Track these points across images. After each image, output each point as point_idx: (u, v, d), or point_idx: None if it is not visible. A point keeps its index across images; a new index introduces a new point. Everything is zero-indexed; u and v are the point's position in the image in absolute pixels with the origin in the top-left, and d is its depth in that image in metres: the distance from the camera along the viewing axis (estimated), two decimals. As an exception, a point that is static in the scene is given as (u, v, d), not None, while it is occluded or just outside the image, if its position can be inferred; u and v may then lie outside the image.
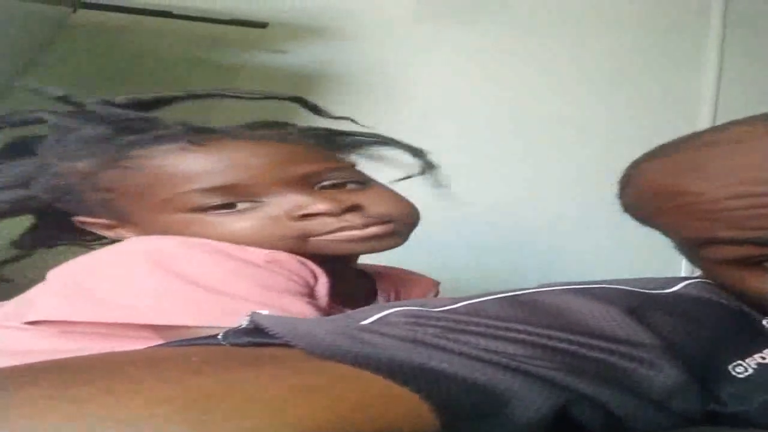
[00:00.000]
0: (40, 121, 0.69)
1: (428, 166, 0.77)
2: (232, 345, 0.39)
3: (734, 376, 0.44)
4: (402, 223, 0.70)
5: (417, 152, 0.77)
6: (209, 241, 0.62)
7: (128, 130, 0.66)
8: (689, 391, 0.41)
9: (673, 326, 0.45)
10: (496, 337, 0.40)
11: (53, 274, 0.62)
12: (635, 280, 0.51)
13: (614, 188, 0.57)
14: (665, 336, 0.43)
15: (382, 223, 0.67)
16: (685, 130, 0.53)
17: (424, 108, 1.37)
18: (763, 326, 0.48)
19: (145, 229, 0.66)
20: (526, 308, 0.44)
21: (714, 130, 0.50)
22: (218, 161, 0.64)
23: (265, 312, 0.41)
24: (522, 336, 0.41)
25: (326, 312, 0.62)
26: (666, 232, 0.53)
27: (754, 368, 0.44)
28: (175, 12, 1.30)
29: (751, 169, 0.44)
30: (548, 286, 0.48)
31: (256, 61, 1.34)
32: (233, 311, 0.53)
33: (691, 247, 0.51)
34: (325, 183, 0.67)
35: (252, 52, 1.34)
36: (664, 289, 0.50)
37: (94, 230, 0.70)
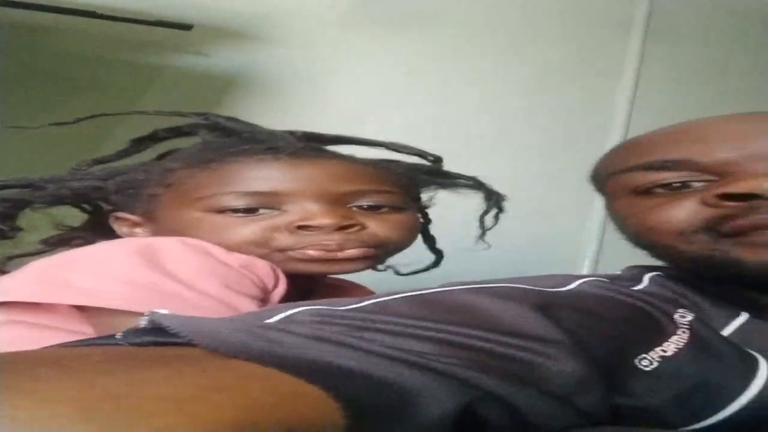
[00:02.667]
0: (194, 133, 0.76)
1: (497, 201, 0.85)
2: (132, 345, 0.38)
3: (641, 369, 0.45)
4: (390, 250, 0.74)
5: (490, 194, 0.84)
6: (201, 242, 0.65)
7: (238, 140, 0.72)
8: (594, 385, 0.42)
9: (579, 322, 0.45)
10: (402, 335, 0.40)
11: (36, 263, 0.63)
12: (533, 278, 0.52)
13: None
14: (572, 331, 0.44)
15: (367, 247, 0.69)
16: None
17: (348, 114, 1.37)
18: (661, 319, 0.49)
19: (162, 226, 0.70)
20: (433, 306, 0.44)
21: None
22: (275, 169, 0.67)
23: (164, 311, 0.40)
24: (428, 333, 0.40)
25: None
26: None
27: (658, 361, 0.45)
28: (99, 12, 1.28)
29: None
30: (452, 285, 0.48)
31: (178, 63, 1.32)
32: (195, 306, 0.58)
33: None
34: (362, 204, 0.70)
35: (175, 55, 1.33)
36: (562, 287, 0.51)
37: (119, 227, 0.73)
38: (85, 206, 0.77)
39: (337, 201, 0.68)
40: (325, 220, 0.66)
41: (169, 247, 0.64)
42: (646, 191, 0.57)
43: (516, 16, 1.61)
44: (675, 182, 0.56)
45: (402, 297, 0.46)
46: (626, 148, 0.62)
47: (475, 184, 0.84)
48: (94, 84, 1.26)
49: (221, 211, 0.67)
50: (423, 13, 1.51)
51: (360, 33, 1.46)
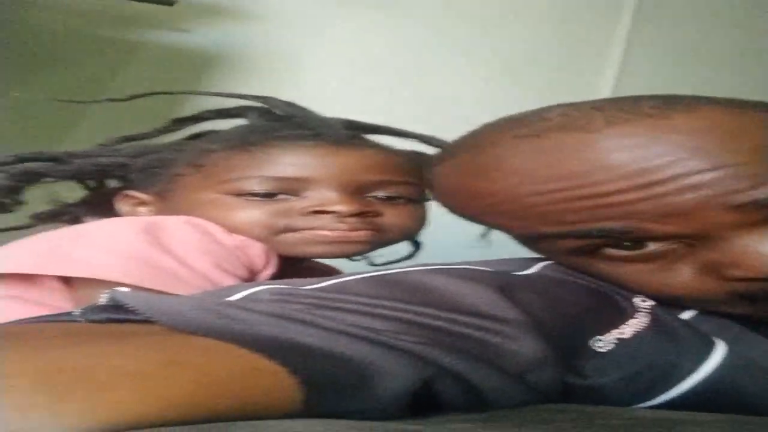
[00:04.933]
0: (243, 116, 0.76)
1: None
2: (90, 321, 0.39)
3: (595, 351, 0.45)
4: (396, 240, 0.74)
5: None
6: (203, 221, 0.66)
7: (286, 124, 0.73)
8: (548, 364, 0.42)
9: (536, 303, 0.45)
10: (361, 313, 0.40)
11: (39, 235, 0.64)
12: (493, 261, 0.52)
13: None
14: (530, 312, 0.44)
15: (376, 231, 0.70)
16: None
17: (327, 92, 1.36)
18: (621, 303, 0.49)
19: (172, 206, 0.70)
20: (394, 286, 0.44)
21: (495, 126, 0.50)
22: (311, 156, 0.68)
23: (124, 289, 0.40)
24: (387, 312, 0.41)
25: None
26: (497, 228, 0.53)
27: (614, 343, 0.45)
28: (79, -15, 1.26)
29: (545, 167, 0.44)
30: (414, 267, 0.49)
31: (158, 39, 1.31)
32: (186, 282, 0.60)
33: (526, 242, 0.52)
34: (380, 194, 0.70)
35: (153, 31, 1.32)
36: (522, 270, 0.51)
37: (123, 205, 0.73)
38: (90, 182, 0.77)
39: (358, 190, 0.69)
40: (343, 207, 0.66)
41: (172, 225, 0.65)
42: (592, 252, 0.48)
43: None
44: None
45: (362, 278, 0.46)
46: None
47: None
48: (72, 59, 1.24)
49: (240, 194, 0.67)
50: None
51: (341, 9, 1.45)
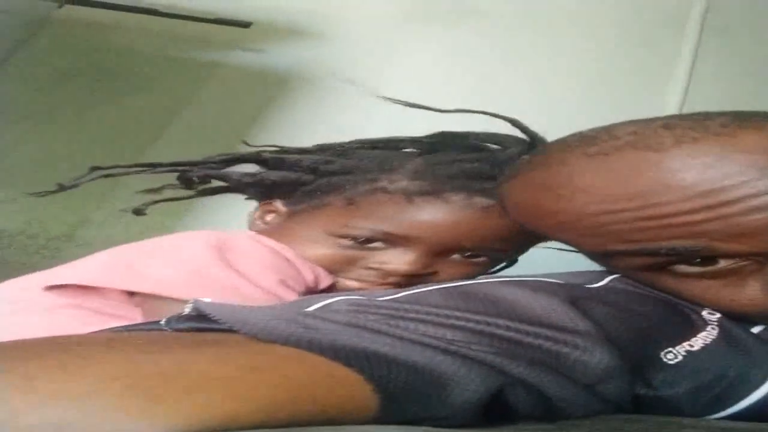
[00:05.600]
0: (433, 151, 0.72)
1: None
2: (175, 330, 0.40)
3: (665, 363, 0.45)
4: None
5: None
6: (271, 241, 0.67)
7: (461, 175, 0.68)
8: (619, 375, 0.42)
9: (608, 315, 0.45)
10: (435, 324, 0.41)
11: (109, 250, 0.66)
12: (564, 274, 0.52)
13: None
14: (601, 323, 0.44)
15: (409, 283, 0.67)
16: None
17: (397, 111, 1.38)
18: (691, 315, 0.49)
19: (289, 223, 0.71)
20: (466, 297, 0.45)
21: (564, 144, 0.50)
22: (445, 218, 0.66)
23: (207, 299, 0.42)
24: (461, 323, 0.41)
25: None
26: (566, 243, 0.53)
27: (683, 355, 0.45)
28: (161, 10, 1.32)
29: (613, 186, 0.44)
30: (486, 278, 0.49)
31: (234, 60, 1.35)
32: (248, 297, 0.60)
33: (595, 258, 0.52)
34: (466, 254, 0.68)
35: (231, 52, 1.36)
36: (593, 283, 0.51)
37: (258, 212, 0.75)
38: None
39: (448, 251, 0.67)
40: (410, 269, 0.66)
41: (241, 241, 0.66)
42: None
43: (571, 10, 1.60)
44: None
45: (436, 289, 0.47)
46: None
47: None
48: (154, 79, 1.29)
49: (340, 236, 0.67)
50: (477, 9, 1.51)
51: (414, 30, 1.47)
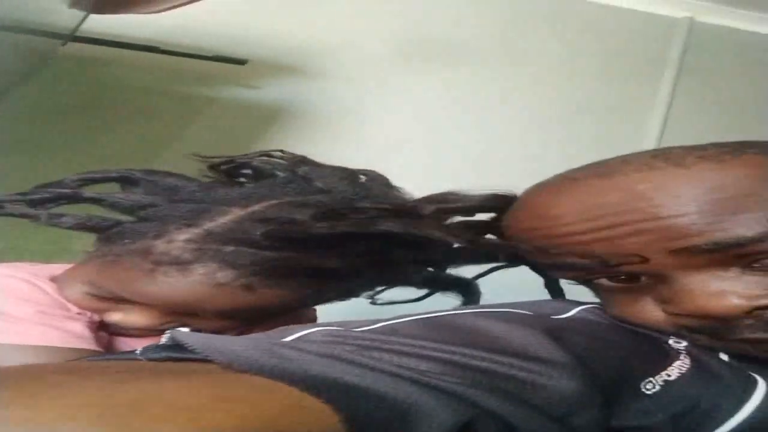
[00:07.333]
0: None
1: None
2: (150, 360, 0.41)
3: (643, 393, 0.45)
4: None
5: None
6: (23, 269, 0.66)
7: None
8: (590, 404, 0.42)
9: (584, 346, 0.46)
10: (408, 354, 0.41)
11: None
12: (530, 303, 0.53)
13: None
14: (577, 354, 0.44)
15: None
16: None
17: (396, 150, 1.40)
18: (664, 345, 0.49)
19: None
20: (440, 328, 0.46)
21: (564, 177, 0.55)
22: None
23: (185, 329, 0.42)
24: (435, 353, 0.42)
25: None
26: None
27: (661, 385, 0.46)
28: (161, 47, 1.34)
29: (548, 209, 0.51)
30: (461, 310, 0.50)
31: (229, 95, 1.37)
32: (7, 330, 0.60)
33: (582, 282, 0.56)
34: None
35: (226, 87, 1.38)
36: (561, 314, 0.52)
37: None
38: None
39: (192, 314, 0.66)
40: (144, 325, 0.65)
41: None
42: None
43: (556, 52, 1.66)
44: None
45: (413, 320, 0.48)
46: None
47: None
48: (151, 112, 1.31)
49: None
50: (467, 49, 1.54)
51: (405, 68, 1.49)
